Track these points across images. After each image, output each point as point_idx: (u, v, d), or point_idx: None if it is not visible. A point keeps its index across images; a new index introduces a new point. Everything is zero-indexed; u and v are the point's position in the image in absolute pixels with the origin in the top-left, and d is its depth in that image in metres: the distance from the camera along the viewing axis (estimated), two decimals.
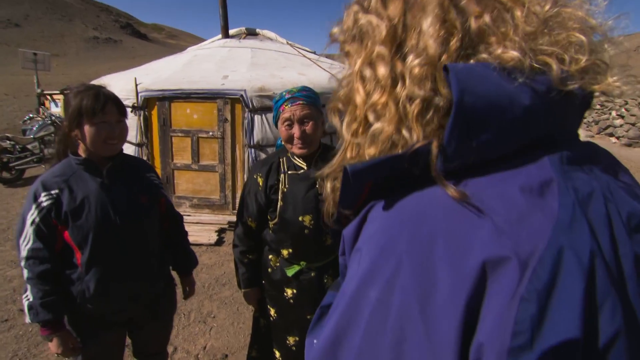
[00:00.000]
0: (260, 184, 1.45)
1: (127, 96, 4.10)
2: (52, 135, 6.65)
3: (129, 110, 4.03)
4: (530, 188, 0.32)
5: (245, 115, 4.09)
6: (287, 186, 1.42)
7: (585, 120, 10.90)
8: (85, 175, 1.29)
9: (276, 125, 1.43)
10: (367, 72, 0.41)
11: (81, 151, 1.31)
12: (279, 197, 1.42)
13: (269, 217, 1.47)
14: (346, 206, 0.43)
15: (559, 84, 0.34)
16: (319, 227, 1.39)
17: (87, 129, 1.24)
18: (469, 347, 0.29)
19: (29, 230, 1.23)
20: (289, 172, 1.43)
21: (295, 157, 1.44)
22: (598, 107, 10.88)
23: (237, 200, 4.61)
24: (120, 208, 1.32)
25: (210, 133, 4.25)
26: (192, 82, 4.24)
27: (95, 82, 5.26)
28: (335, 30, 0.48)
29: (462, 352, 0.29)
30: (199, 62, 4.92)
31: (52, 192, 1.24)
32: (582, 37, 0.35)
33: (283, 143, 1.43)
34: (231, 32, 5.93)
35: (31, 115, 8.24)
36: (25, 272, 1.25)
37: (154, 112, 4.30)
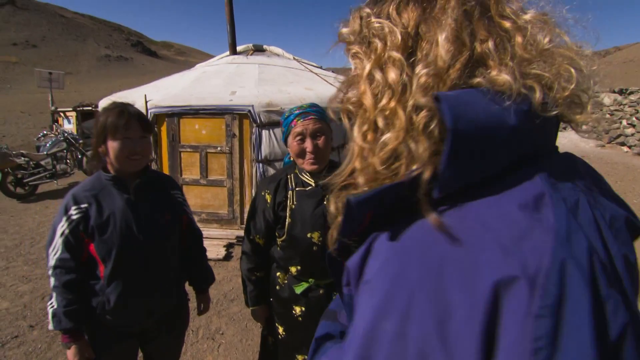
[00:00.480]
0: (268, 200, 1.45)
1: None
2: (64, 151, 6.80)
3: None
4: (526, 204, 0.33)
5: (253, 130, 4.14)
6: (295, 203, 1.42)
7: (595, 129, 10.78)
8: (114, 191, 1.34)
9: (285, 142, 1.44)
10: (378, 75, 0.42)
11: (109, 167, 1.35)
12: (287, 214, 1.42)
13: (276, 234, 1.47)
14: (347, 235, 0.43)
15: (540, 109, 0.36)
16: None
17: (110, 144, 1.29)
18: None
19: (58, 241, 1.28)
20: (297, 188, 1.43)
21: (303, 173, 1.44)
22: (608, 115, 10.76)
23: (245, 215, 4.64)
24: (145, 225, 1.36)
25: (219, 148, 4.30)
26: (201, 98, 4.31)
27: (108, 99, 5.38)
28: (345, 30, 0.48)
29: None
30: (208, 79, 5.02)
31: (82, 205, 1.29)
32: (572, 69, 0.38)
33: (293, 158, 1.44)
34: (239, 48, 6.06)
35: (45, 132, 8.45)
36: (52, 280, 1.29)
37: (164, 128, 4.38)
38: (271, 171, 4.16)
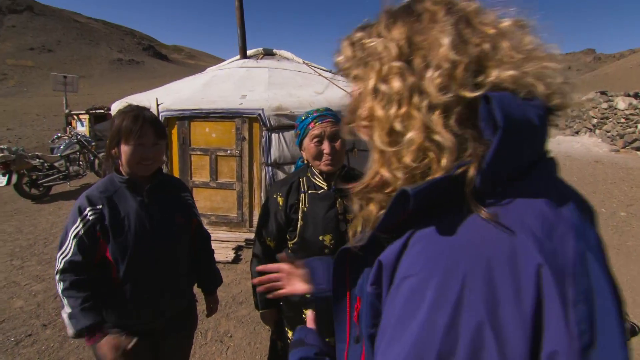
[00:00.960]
0: (281, 203, 1.46)
1: None
2: (77, 153, 6.93)
3: None
4: (552, 203, 0.38)
5: (263, 133, 4.16)
6: (307, 206, 1.42)
7: (609, 134, 10.57)
8: (127, 193, 1.35)
9: (299, 145, 1.45)
10: (383, 87, 0.45)
11: (122, 169, 1.36)
12: (299, 217, 1.42)
13: (288, 237, 1.47)
14: (385, 228, 0.45)
15: (546, 100, 0.41)
16: (339, 246, 1.37)
17: (123, 148, 1.30)
18: (537, 355, 0.32)
19: (71, 242, 1.26)
20: (309, 191, 1.44)
21: (315, 176, 1.44)
22: (623, 120, 10.55)
23: (255, 218, 4.64)
24: (158, 227, 1.37)
25: (229, 151, 4.33)
26: (211, 101, 4.36)
27: (121, 102, 5.46)
28: (340, 59, 0.52)
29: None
30: (218, 82, 5.07)
31: (97, 207, 1.29)
32: (556, 64, 0.43)
33: (308, 160, 1.44)
34: (249, 52, 6.11)
35: (59, 135, 8.62)
36: (61, 285, 1.26)
37: (174, 131, 4.43)
38: (280, 174, 4.18)
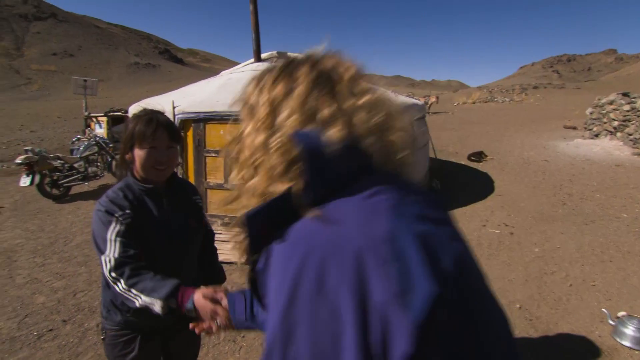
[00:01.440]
0: None
1: None
2: (96, 155, 7.13)
3: None
4: (368, 196, 0.48)
5: None
6: None
7: (631, 137, 10.23)
8: (146, 199, 1.34)
9: None
10: (251, 137, 0.57)
11: (136, 173, 1.35)
12: None
13: None
14: (255, 250, 0.57)
15: (356, 140, 0.52)
16: None
17: (137, 152, 1.29)
18: (365, 307, 0.41)
19: (114, 243, 1.22)
20: None
21: None
22: None
23: None
24: (175, 231, 1.39)
25: None
26: (226, 104, 4.42)
27: (138, 105, 5.59)
28: (235, 102, 0.65)
29: (361, 311, 0.41)
30: (233, 85, 5.14)
31: (127, 211, 1.27)
32: (367, 115, 0.54)
33: None
34: (263, 55, 6.18)
35: (78, 137, 8.88)
36: (122, 281, 1.18)
37: (190, 133, 4.52)
38: None
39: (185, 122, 4.49)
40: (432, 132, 7.73)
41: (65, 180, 6.36)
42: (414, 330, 0.39)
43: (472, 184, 6.99)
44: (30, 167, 5.81)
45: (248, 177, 0.57)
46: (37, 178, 5.89)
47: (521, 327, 2.79)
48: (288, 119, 0.54)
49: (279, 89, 0.56)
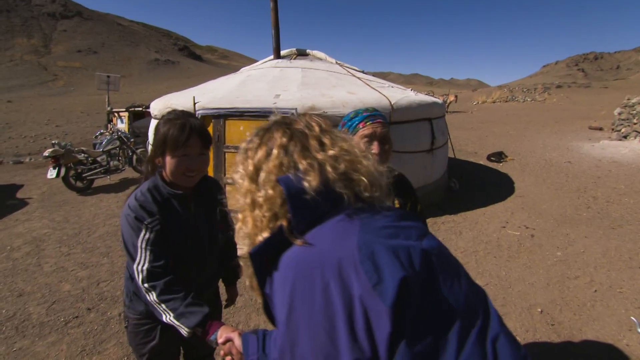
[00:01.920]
0: None
1: None
2: (117, 149, 7.33)
3: None
4: (341, 221, 0.61)
5: None
6: None
7: None
8: (175, 203, 1.34)
9: None
10: (244, 198, 0.70)
11: (165, 175, 1.33)
12: None
13: None
14: (261, 282, 0.68)
15: (326, 185, 0.64)
16: None
17: (168, 159, 1.26)
18: (350, 303, 0.53)
19: (144, 252, 1.22)
20: None
21: None
22: None
23: None
24: (201, 234, 1.42)
25: None
26: (246, 101, 4.47)
27: (160, 100, 5.66)
28: (251, 137, 0.76)
29: (347, 307, 0.53)
30: (252, 82, 5.18)
31: (156, 216, 1.26)
32: (338, 165, 0.67)
33: None
34: (282, 52, 6.20)
35: (101, 131, 9.14)
36: (154, 293, 1.19)
37: (209, 129, 4.58)
38: None
39: (206, 118, 4.56)
40: (451, 131, 7.60)
41: (88, 173, 6.57)
42: (390, 313, 0.50)
43: (491, 184, 6.84)
44: (56, 160, 6.02)
45: (242, 227, 0.71)
46: (63, 171, 6.09)
47: (542, 332, 2.72)
48: (267, 177, 0.66)
49: (260, 153, 0.69)
